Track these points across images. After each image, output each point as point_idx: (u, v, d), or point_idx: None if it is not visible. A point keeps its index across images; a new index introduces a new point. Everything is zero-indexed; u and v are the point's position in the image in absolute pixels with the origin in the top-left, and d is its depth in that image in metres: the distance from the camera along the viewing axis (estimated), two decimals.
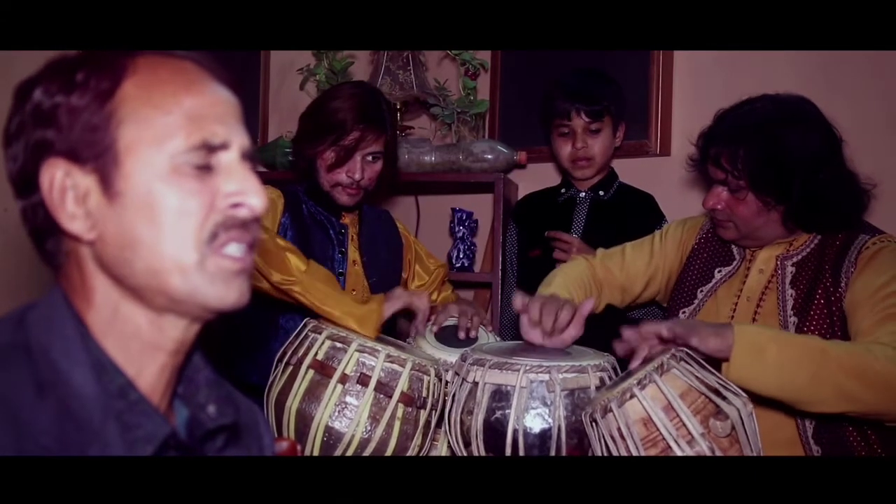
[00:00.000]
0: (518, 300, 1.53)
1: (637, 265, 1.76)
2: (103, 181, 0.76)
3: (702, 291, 1.64)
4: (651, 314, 1.95)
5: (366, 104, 1.89)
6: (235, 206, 0.78)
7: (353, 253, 1.96)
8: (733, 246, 1.66)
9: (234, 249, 0.79)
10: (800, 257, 1.56)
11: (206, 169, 0.77)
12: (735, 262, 1.64)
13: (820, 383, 1.33)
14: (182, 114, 0.77)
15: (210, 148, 0.77)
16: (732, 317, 1.58)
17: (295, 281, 1.64)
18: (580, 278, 1.72)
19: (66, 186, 0.76)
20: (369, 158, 1.89)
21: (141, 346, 0.79)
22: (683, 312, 1.65)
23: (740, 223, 1.55)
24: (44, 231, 0.79)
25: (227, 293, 0.79)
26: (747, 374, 1.32)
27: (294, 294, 1.65)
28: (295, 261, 1.66)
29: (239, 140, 0.80)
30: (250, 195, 0.79)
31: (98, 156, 0.75)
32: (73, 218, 0.76)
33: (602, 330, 1.74)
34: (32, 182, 0.77)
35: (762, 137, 1.47)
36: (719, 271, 1.64)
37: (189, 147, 0.76)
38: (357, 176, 1.88)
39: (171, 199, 0.75)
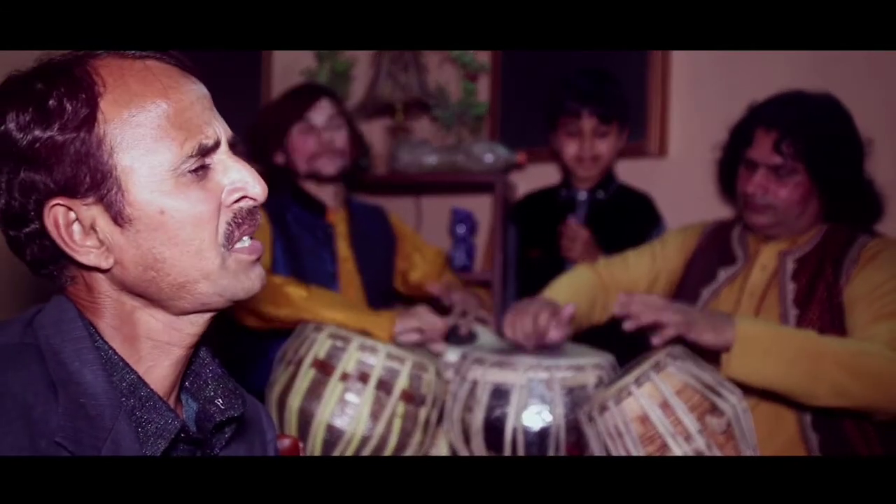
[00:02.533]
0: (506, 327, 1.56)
1: (640, 268, 1.78)
2: (109, 210, 0.75)
3: (706, 291, 1.67)
4: None
5: (298, 89, 2.02)
6: (239, 199, 0.80)
7: (343, 250, 1.97)
8: (737, 247, 1.68)
9: (246, 240, 0.80)
10: (801, 254, 1.60)
11: (204, 170, 0.77)
12: (738, 262, 1.66)
13: (815, 379, 1.37)
14: (168, 124, 0.75)
15: (205, 152, 0.77)
16: (736, 313, 1.60)
17: (301, 311, 1.65)
18: (584, 284, 1.75)
19: (71, 221, 0.75)
20: (334, 125, 1.95)
21: (153, 344, 0.80)
22: None
23: (781, 208, 1.58)
24: (43, 260, 0.78)
25: (252, 283, 0.81)
26: (746, 368, 1.35)
27: (302, 321, 1.66)
28: (296, 291, 1.67)
29: (223, 132, 0.80)
30: (251, 186, 0.80)
31: (97, 185, 0.74)
32: (87, 252, 0.76)
33: (605, 332, 1.76)
34: (22, 218, 0.75)
35: (822, 125, 1.56)
36: (724, 271, 1.67)
37: (186, 156, 0.76)
38: (326, 137, 1.92)
39: (184, 212, 0.76)
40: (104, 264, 0.76)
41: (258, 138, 1.96)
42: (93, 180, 0.74)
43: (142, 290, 0.78)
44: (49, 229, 0.75)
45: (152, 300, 0.78)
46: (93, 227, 0.75)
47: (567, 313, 1.54)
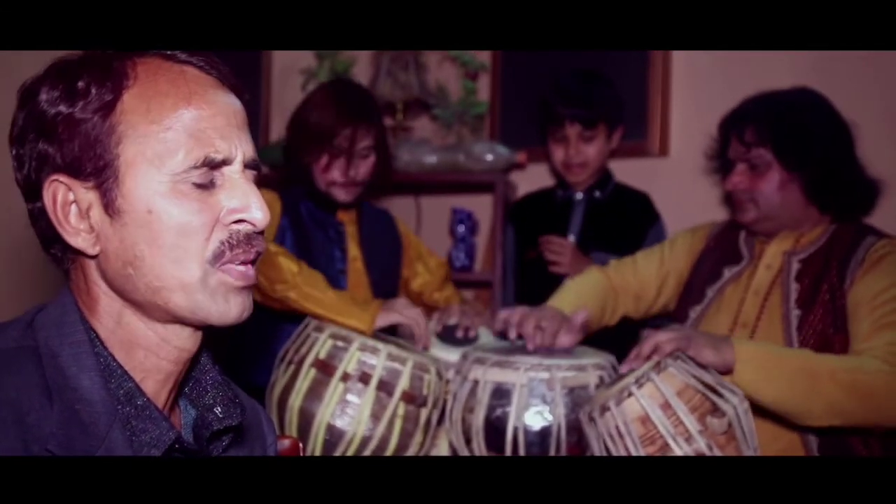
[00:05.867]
0: (500, 319, 1.56)
1: (649, 270, 1.79)
2: (104, 197, 0.75)
3: (711, 290, 1.67)
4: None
5: (349, 102, 1.89)
6: (238, 221, 0.78)
7: (353, 250, 1.97)
8: (743, 245, 1.69)
9: (238, 270, 0.78)
10: (806, 254, 1.59)
11: (209, 183, 0.77)
12: (744, 261, 1.66)
13: (812, 398, 1.37)
14: (182, 129, 0.75)
15: (212, 165, 0.76)
16: (739, 311, 1.60)
17: (289, 286, 1.65)
18: (593, 288, 1.75)
19: (69, 201, 0.76)
20: (362, 154, 1.90)
21: (145, 353, 0.80)
22: (693, 310, 1.67)
23: (762, 200, 1.59)
24: (49, 237, 0.80)
25: (228, 309, 0.78)
26: (745, 390, 1.35)
27: (290, 302, 1.66)
28: (287, 263, 1.67)
29: (241, 151, 0.79)
30: (253, 210, 0.78)
31: (99, 171, 0.75)
32: (76, 233, 0.77)
33: (605, 332, 1.76)
34: (36, 190, 0.77)
35: (787, 110, 1.57)
36: (728, 269, 1.67)
37: (190, 165, 0.75)
38: (351, 173, 1.88)
39: (173, 218, 0.75)
40: (90, 250, 0.77)
41: (292, 142, 1.94)
42: (96, 165, 0.75)
43: (120, 287, 0.78)
44: (46, 203, 0.76)
45: (132, 301, 0.78)
46: (87, 212, 0.76)
47: (578, 320, 1.54)
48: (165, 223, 0.75)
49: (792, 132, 1.55)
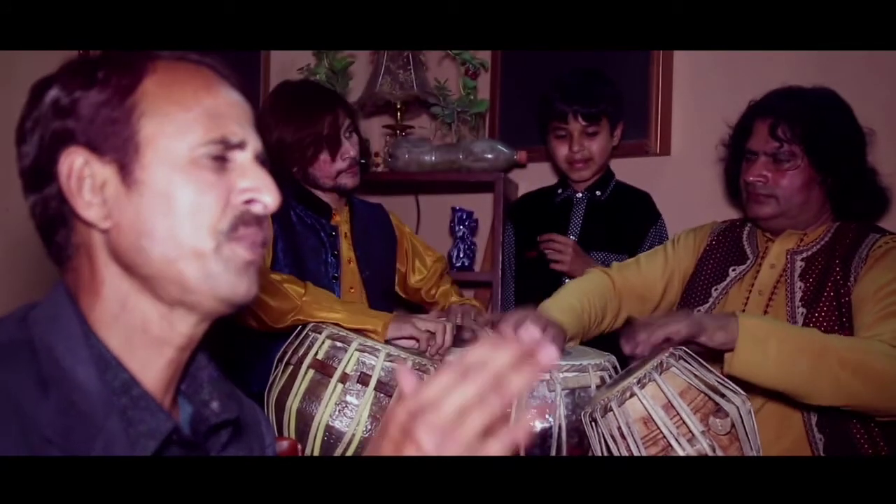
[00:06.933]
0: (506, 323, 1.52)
1: (653, 271, 1.78)
2: (122, 171, 0.77)
3: (716, 290, 1.67)
4: None
5: (310, 98, 1.92)
6: (249, 201, 0.80)
7: (346, 251, 1.95)
8: (747, 245, 1.68)
9: (248, 244, 0.81)
10: (809, 253, 1.59)
11: (222, 162, 0.79)
12: (749, 261, 1.65)
13: (818, 376, 1.35)
14: (202, 111, 0.79)
15: (228, 145, 0.80)
16: (744, 310, 1.60)
17: (299, 309, 1.64)
18: (598, 290, 1.73)
19: (84, 175, 0.78)
20: (349, 133, 1.92)
21: (148, 339, 0.80)
22: (698, 310, 1.66)
23: (782, 197, 1.58)
24: (55, 223, 0.80)
25: (238, 283, 0.80)
26: (749, 365, 1.34)
27: (301, 320, 1.64)
28: (294, 289, 1.66)
29: (253, 142, 0.83)
30: (265, 192, 0.81)
31: (118, 147, 0.77)
32: (89, 206, 0.78)
33: (610, 335, 1.75)
34: (46, 174, 0.78)
35: (821, 111, 1.57)
36: (733, 269, 1.67)
37: (208, 140, 0.78)
38: (353, 153, 1.91)
39: (188, 190, 0.77)
40: (102, 224, 0.78)
41: (277, 156, 1.89)
42: (115, 142, 0.77)
43: (132, 260, 0.78)
44: (61, 175, 0.77)
45: (144, 277, 0.78)
46: (102, 188, 0.78)
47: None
48: (182, 194, 0.77)
49: (827, 134, 1.55)
